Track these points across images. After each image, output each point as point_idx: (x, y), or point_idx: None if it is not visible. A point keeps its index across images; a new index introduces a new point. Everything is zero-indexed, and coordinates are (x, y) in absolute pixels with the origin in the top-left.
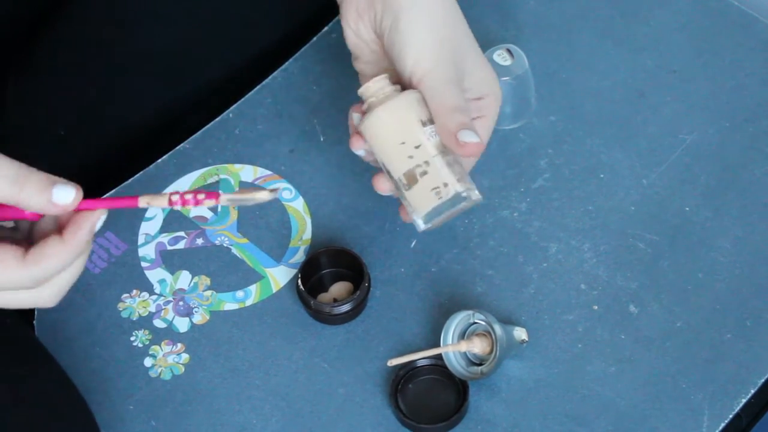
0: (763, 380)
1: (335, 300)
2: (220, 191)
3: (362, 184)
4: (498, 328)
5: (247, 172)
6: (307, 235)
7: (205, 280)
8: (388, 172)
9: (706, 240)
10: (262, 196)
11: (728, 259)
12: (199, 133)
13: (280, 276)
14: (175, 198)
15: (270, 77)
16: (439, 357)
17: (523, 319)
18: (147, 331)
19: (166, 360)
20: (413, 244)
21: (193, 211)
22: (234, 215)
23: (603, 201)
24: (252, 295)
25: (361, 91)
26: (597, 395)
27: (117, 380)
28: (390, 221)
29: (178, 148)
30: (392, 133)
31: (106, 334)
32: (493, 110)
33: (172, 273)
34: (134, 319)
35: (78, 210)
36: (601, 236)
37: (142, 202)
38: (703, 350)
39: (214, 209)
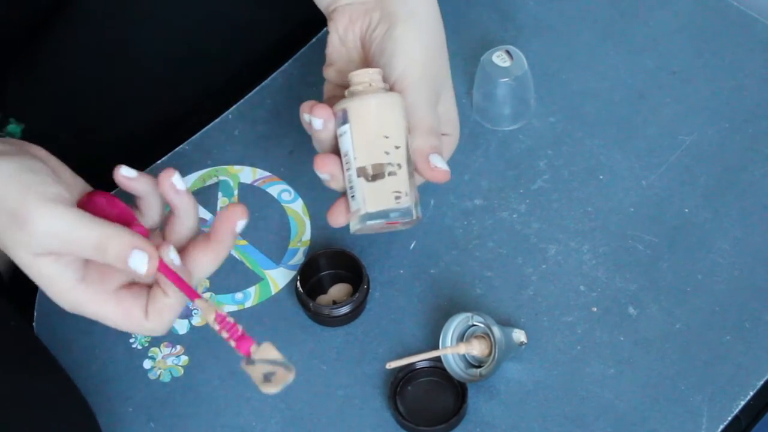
0: (762, 382)
1: (334, 302)
2: (253, 344)
3: None
4: (497, 331)
5: (247, 174)
6: (306, 236)
7: (204, 282)
8: (353, 158)
9: (705, 241)
10: (289, 376)
11: (727, 260)
12: (198, 134)
13: (279, 278)
14: (216, 325)
15: (269, 78)
16: (437, 359)
17: (522, 321)
18: None
19: (166, 362)
20: (412, 245)
21: None
22: None
23: (602, 202)
24: (251, 297)
25: (353, 73)
26: (596, 397)
27: (116, 382)
28: None
29: (177, 149)
30: (381, 123)
31: (106, 335)
32: (449, 150)
33: None
34: None
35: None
36: (600, 238)
37: (198, 303)
38: (702, 352)
39: (213, 211)
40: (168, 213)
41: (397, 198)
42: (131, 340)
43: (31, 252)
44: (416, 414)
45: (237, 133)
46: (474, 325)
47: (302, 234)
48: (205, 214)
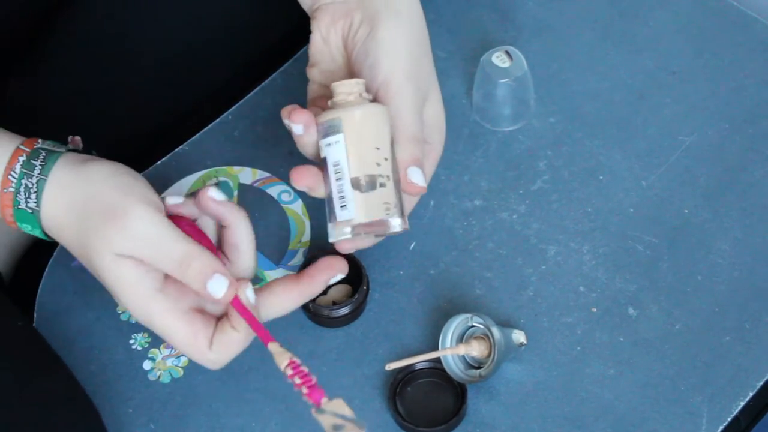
0: (761, 383)
1: (334, 303)
2: (324, 396)
3: None
4: (496, 331)
5: (246, 174)
6: (306, 237)
7: None
8: (345, 169)
9: (705, 242)
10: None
11: (727, 261)
12: (198, 135)
13: None
14: (288, 371)
15: (269, 79)
16: (437, 360)
17: (522, 322)
18: (146, 334)
19: (165, 363)
20: (412, 246)
21: None
22: None
23: (602, 203)
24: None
25: (336, 83)
26: (596, 398)
27: (116, 383)
28: None
29: (177, 150)
30: (372, 135)
31: (106, 337)
32: (434, 159)
33: None
34: (133, 321)
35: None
36: (600, 238)
37: (272, 347)
38: (701, 353)
39: None
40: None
41: (387, 209)
42: (131, 341)
43: (115, 251)
44: (416, 415)
45: (237, 133)
46: (473, 326)
47: (302, 235)
48: None
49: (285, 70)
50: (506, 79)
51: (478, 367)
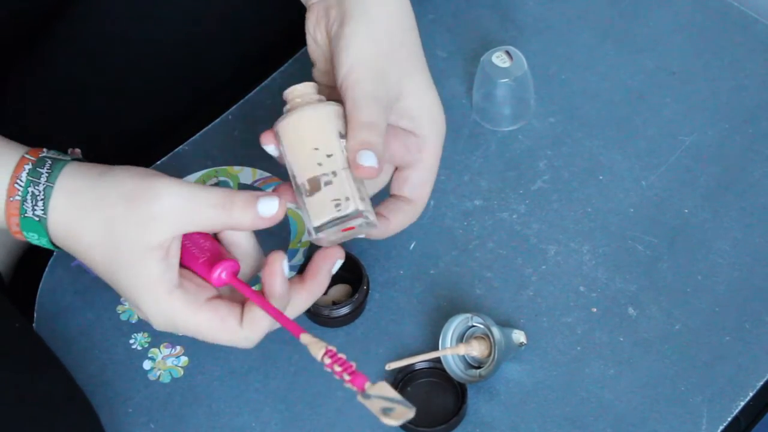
0: (761, 383)
1: (334, 303)
2: (367, 381)
3: None
4: (496, 331)
5: (246, 174)
6: (306, 237)
7: None
8: (293, 177)
9: (705, 242)
10: (409, 413)
11: (727, 261)
12: (198, 134)
13: None
14: (326, 360)
15: (269, 79)
16: (437, 360)
17: (522, 322)
18: (146, 334)
19: (165, 363)
20: (412, 246)
21: None
22: None
23: (602, 203)
24: None
25: (286, 92)
26: (596, 398)
27: (116, 383)
28: None
29: (177, 150)
30: (308, 137)
31: (105, 336)
32: (434, 151)
33: None
34: (133, 321)
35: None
36: (600, 238)
37: (304, 338)
38: (701, 353)
39: None
40: None
41: (337, 206)
42: (131, 341)
43: (146, 240)
44: (416, 415)
45: (237, 133)
46: (474, 326)
47: (302, 234)
48: None
49: (285, 70)
50: (506, 79)
51: (478, 367)
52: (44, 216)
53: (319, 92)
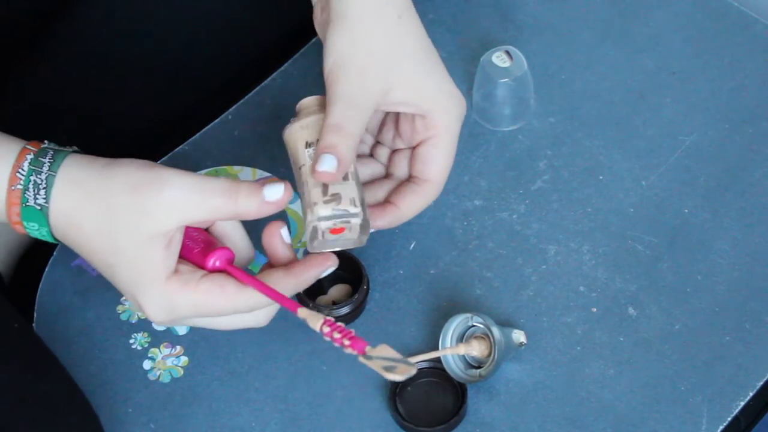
0: (762, 383)
1: (334, 302)
2: (367, 345)
3: None
4: (496, 331)
5: (246, 174)
6: (306, 237)
7: None
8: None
9: (705, 242)
10: (411, 369)
11: (727, 261)
12: (198, 134)
13: None
14: (326, 329)
15: (269, 79)
16: (437, 360)
17: (522, 322)
18: (146, 334)
19: (165, 362)
20: (412, 246)
21: None
22: None
23: (602, 203)
24: None
25: (298, 105)
26: (596, 398)
27: (116, 383)
28: None
29: (177, 150)
30: (293, 151)
31: (105, 336)
32: (444, 128)
33: None
34: (133, 321)
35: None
36: (600, 238)
37: (301, 312)
38: (701, 353)
39: None
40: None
41: (310, 213)
42: (131, 341)
43: (150, 228)
44: (416, 415)
45: (237, 133)
46: (474, 326)
47: (302, 234)
48: None
49: (285, 70)
50: (506, 79)
51: (478, 367)
52: (46, 205)
53: None
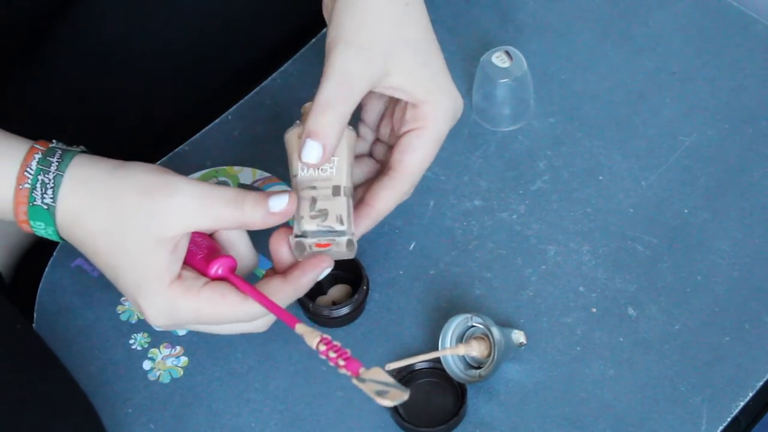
0: (761, 383)
1: (334, 303)
2: (361, 366)
3: None
4: (496, 332)
5: (246, 174)
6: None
7: None
8: (331, 170)
9: (705, 242)
10: (403, 395)
11: (727, 261)
12: (198, 135)
13: None
14: (322, 348)
15: (269, 79)
16: (437, 360)
17: (522, 322)
18: (146, 334)
19: (165, 363)
20: (412, 246)
21: None
22: None
23: (602, 203)
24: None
25: (302, 108)
26: (595, 398)
27: (116, 383)
28: (388, 224)
29: (176, 150)
30: (288, 156)
31: (105, 337)
32: (432, 120)
33: None
34: (133, 322)
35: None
36: (599, 238)
37: (299, 328)
38: (701, 353)
39: None
40: None
41: (295, 225)
42: (131, 341)
43: (158, 232)
44: (415, 415)
45: (236, 133)
46: (473, 326)
47: None
48: None
49: (285, 70)
50: (506, 79)
51: (478, 367)
52: (53, 204)
53: None
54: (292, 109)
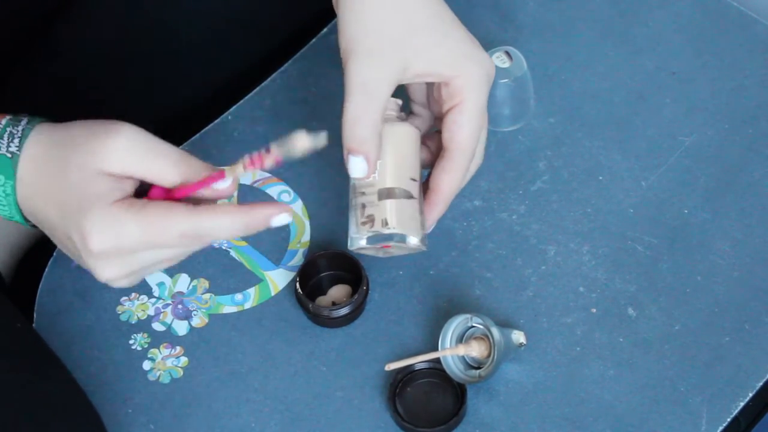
0: (761, 383)
1: (334, 303)
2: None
3: None
4: (496, 332)
5: (246, 175)
6: (306, 237)
7: (204, 283)
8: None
9: (704, 242)
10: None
11: (727, 261)
12: (197, 135)
13: (278, 279)
14: (247, 163)
15: (269, 79)
16: (437, 360)
17: (522, 322)
18: (146, 335)
19: (165, 363)
20: None
21: None
22: None
23: (602, 203)
24: (251, 298)
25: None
26: (595, 398)
27: (115, 383)
28: None
29: None
30: (407, 151)
31: (105, 337)
32: (468, 91)
33: (171, 276)
34: (133, 322)
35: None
36: (599, 239)
37: (227, 172)
38: (701, 353)
39: None
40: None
41: (416, 219)
42: (131, 342)
43: (98, 166)
44: (415, 415)
45: (236, 134)
46: (473, 327)
47: (302, 235)
48: None
49: (285, 70)
50: (506, 79)
51: (478, 368)
52: (17, 152)
53: None
54: (292, 110)
